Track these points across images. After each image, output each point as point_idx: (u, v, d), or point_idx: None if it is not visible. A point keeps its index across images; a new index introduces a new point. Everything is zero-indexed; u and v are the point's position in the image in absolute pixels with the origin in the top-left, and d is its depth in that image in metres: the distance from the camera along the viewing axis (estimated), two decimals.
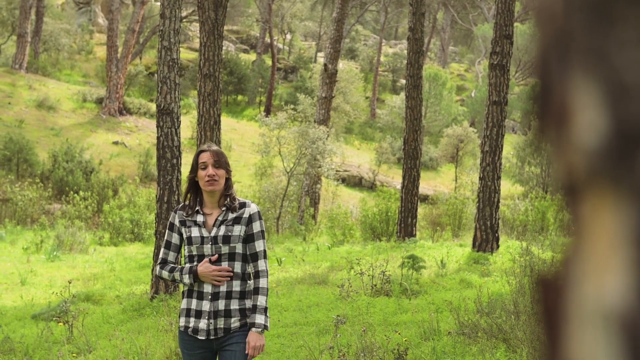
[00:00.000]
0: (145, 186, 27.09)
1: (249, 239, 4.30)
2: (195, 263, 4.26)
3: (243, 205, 4.32)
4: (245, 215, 4.29)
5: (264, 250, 4.32)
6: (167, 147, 10.68)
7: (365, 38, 68.17)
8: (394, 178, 34.05)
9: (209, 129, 12.85)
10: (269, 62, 49.00)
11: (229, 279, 4.21)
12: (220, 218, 4.27)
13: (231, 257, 4.24)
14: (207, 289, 4.22)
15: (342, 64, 44.87)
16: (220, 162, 4.29)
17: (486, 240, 14.39)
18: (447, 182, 36.42)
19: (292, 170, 22.32)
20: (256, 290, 4.27)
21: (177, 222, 4.36)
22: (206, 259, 4.21)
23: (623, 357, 0.47)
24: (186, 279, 4.22)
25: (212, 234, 4.25)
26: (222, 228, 4.25)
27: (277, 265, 13.71)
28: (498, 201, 14.63)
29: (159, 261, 4.45)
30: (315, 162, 22.25)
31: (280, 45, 57.62)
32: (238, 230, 4.25)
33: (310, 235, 20.21)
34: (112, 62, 34.16)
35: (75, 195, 22.79)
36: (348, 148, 37.70)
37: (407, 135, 17.48)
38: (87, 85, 40.65)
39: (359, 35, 66.66)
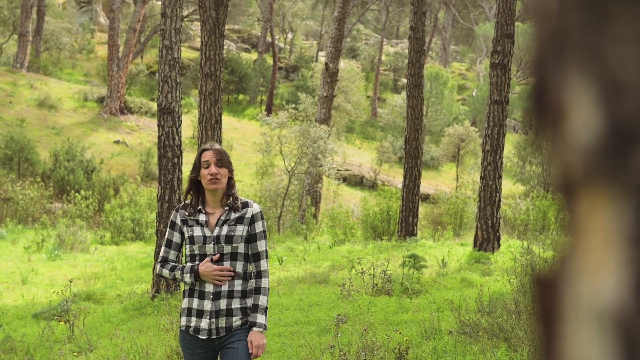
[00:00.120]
0: (146, 185, 27.10)
1: (251, 239, 4.29)
2: (196, 262, 4.25)
3: (245, 205, 4.32)
4: (248, 215, 4.29)
5: (266, 250, 4.32)
6: (168, 146, 10.68)
7: (366, 37, 68.14)
8: (395, 177, 34.04)
9: (210, 128, 12.85)
10: (270, 61, 48.99)
11: (230, 278, 4.21)
12: (222, 218, 4.26)
13: (233, 256, 4.23)
14: (209, 288, 4.21)
15: (344, 63, 44.84)
16: (223, 161, 4.28)
17: (487, 239, 14.38)
18: (449, 182, 36.42)
19: (294, 170, 22.31)
20: (258, 290, 4.26)
21: (178, 221, 4.35)
22: (207, 258, 4.20)
23: (617, 356, 0.47)
24: (187, 277, 4.20)
25: (215, 234, 4.24)
26: (225, 228, 4.24)
27: (278, 264, 13.71)
28: (499, 200, 14.62)
29: (159, 259, 4.43)
30: (316, 161, 22.25)
31: (282, 45, 57.62)
32: (241, 230, 4.25)
33: (311, 234, 20.21)
34: (114, 61, 34.16)
35: (77, 194, 22.79)
36: (349, 147, 37.70)
37: (408, 135, 17.48)
38: (89, 84, 40.65)
39: (360, 34, 66.64)
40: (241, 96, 47.04)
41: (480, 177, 14.75)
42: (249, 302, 4.26)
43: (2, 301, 11.63)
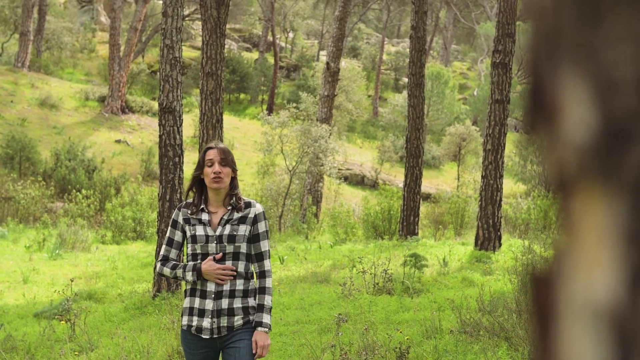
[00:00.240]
0: (147, 184, 27.11)
1: (254, 238, 4.29)
2: (198, 261, 4.24)
3: (248, 205, 4.32)
4: (251, 215, 4.29)
5: (268, 250, 4.32)
6: (170, 146, 10.68)
7: (367, 36, 68.11)
8: (396, 176, 34.04)
9: (211, 127, 12.85)
10: (271, 60, 48.98)
11: (232, 277, 4.21)
12: (225, 217, 4.26)
13: (235, 256, 4.23)
14: (211, 287, 4.20)
15: (345, 63, 44.83)
16: (227, 160, 4.28)
17: (488, 238, 14.39)
18: (450, 181, 36.42)
19: (295, 169, 22.31)
20: (262, 290, 4.26)
21: (180, 220, 4.34)
22: (210, 257, 4.20)
23: (612, 352, 0.47)
24: (189, 276, 4.19)
25: (217, 233, 4.23)
26: (228, 227, 4.24)
27: (279, 263, 13.72)
28: (500, 200, 14.62)
29: (160, 258, 4.40)
30: (317, 160, 22.25)
31: (283, 44, 57.62)
32: (243, 229, 4.25)
33: (312, 233, 20.22)
34: (115, 60, 34.17)
35: (78, 193, 22.80)
36: (350, 146, 37.72)
37: (409, 134, 17.48)
38: (90, 83, 40.66)
39: (361, 33, 66.61)
40: (242, 95, 47.05)
41: (482, 176, 14.75)
42: (251, 301, 4.26)
43: (3, 300, 11.64)
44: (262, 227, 4.30)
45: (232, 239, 4.21)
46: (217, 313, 4.19)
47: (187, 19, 42.50)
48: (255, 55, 53.38)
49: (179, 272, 4.24)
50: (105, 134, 32.22)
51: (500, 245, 14.45)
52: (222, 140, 12.91)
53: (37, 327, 9.18)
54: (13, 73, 36.32)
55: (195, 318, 4.23)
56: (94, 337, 8.47)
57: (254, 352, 4.18)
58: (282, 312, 9.43)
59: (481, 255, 13.40)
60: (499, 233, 14.49)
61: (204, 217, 4.27)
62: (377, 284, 10.16)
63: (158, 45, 38.19)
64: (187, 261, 4.32)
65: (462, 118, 42.41)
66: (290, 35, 59.92)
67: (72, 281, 10.38)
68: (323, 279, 11.72)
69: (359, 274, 10.30)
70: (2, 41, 42.12)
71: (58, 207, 23.28)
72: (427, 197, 28.80)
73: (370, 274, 10.27)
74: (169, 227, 4.41)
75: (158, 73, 11.40)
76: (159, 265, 4.39)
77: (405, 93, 35.36)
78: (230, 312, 4.19)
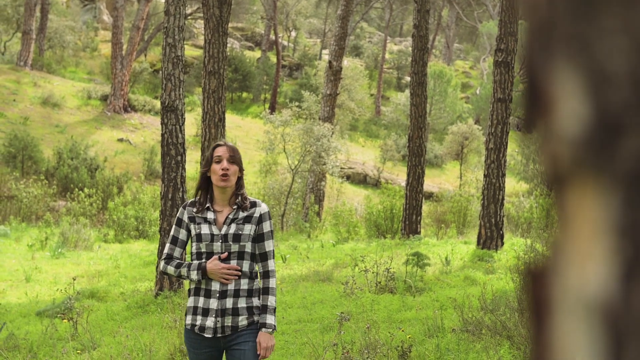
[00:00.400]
0: (150, 183, 27.13)
1: (258, 238, 4.28)
2: (203, 260, 4.22)
3: (254, 204, 4.31)
4: (256, 214, 4.28)
5: (273, 251, 4.32)
6: (172, 144, 10.68)
7: (370, 35, 68.08)
8: (399, 175, 34.03)
9: (213, 126, 12.86)
10: (273, 59, 48.98)
11: (237, 277, 4.19)
12: (231, 216, 4.24)
13: (240, 255, 4.21)
14: (215, 286, 4.18)
15: (347, 61, 44.81)
16: (235, 158, 4.29)
17: (491, 237, 14.38)
18: (452, 180, 36.39)
19: (297, 168, 22.32)
20: (266, 290, 4.25)
21: (185, 218, 4.32)
22: (215, 256, 4.18)
23: (605, 346, 0.47)
24: (194, 275, 4.17)
25: (223, 232, 4.21)
26: (233, 226, 4.22)
27: (281, 262, 13.73)
28: (503, 198, 14.62)
29: (163, 256, 4.37)
30: (319, 159, 22.25)
31: (285, 43, 57.60)
32: (249, 229, 4.23)
33: (314, 232, 20.22)
34: (117, 59, 34.20)
35: (80, 192, 22.81)
36: (353, 145, 37.69)
37: (411, 133, 17.48)
38: (92, 82, 40.68)
39: (363, 32, 66.57)
40: (245, 94, 47.06)
41: (484, 175, 14.75)
42: (255, 301, 4.24)
43: (6, 299, 11.65)
44: (267, 226, 4.29)
45: (237, 238, 4.20)
46: (222, 312, 4.17)
47: (189, 17, 42.51)
48: (257, 54, 53.39)
49: (184, 270, 4.22)
50: (107, 132, 32.24)
51: (502, 244, 14.45)
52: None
53: (39, 326, 9.19)
54: (15, 72, 36.36)
55: (199, 317, 4.21)
56: (96, 335, 8.48)
57: (257, 352, 4.17)
58: (285, 310, 9.44)
59: (483, 254, 13.40)
60: (501, 232, 14.48)
61: (210, 215, 4.26)
62: (380, 282, 10.16)
63: (160, 44, 38.19)
64: (192, 260, 4.29)
65: (465, 117, 42.38)
66: (293, 34, 59.91)
67: (74, 280, 10.38)
68: (325, 277, 11.73)
69: (361, 273, 10.30)
70: (5, 40, 42.17)
71: (60, 205, 23.30)
72: (429, 196, 28.78)
73: (373, 272, 10.27)
74: (174, 226, 4.38)
75: (160, 72, 11.40)
76: (162, 263, 4.36)
77: (407, 92, 35.36)
78: (235, 311, 4.18)
